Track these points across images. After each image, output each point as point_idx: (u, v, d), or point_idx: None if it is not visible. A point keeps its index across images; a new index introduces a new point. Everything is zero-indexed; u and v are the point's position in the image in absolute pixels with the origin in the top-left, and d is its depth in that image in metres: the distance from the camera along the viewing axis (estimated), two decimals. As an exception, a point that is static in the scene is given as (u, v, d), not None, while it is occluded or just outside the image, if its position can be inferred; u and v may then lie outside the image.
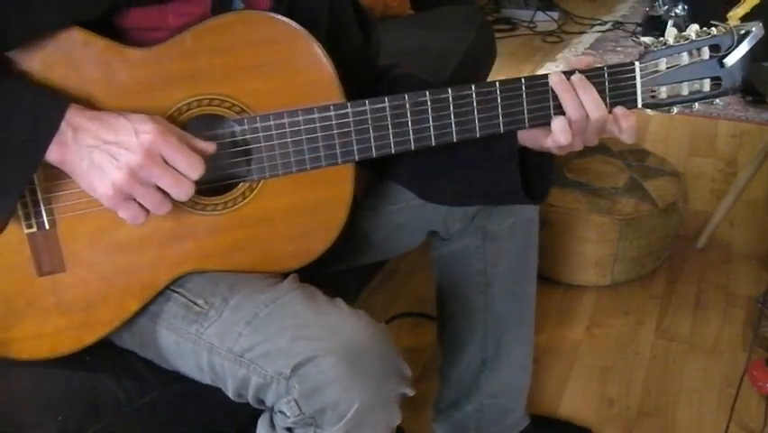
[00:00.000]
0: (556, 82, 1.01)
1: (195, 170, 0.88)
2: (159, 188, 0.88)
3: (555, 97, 1.01)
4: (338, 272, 1.24)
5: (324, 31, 0.98)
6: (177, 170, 0.88)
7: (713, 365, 1.75)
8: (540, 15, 3.88)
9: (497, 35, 2.75)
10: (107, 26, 0.92)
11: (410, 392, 0.94)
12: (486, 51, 2.23)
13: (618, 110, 1.02)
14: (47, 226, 0.93)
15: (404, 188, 1.22)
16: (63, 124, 0.85)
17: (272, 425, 0.95)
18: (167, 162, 0.87)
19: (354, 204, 1.04)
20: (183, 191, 0.89)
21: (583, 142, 1.05)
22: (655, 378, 1.72)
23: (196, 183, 0.90)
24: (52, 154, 0.86)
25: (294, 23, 0.96)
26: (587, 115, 1.01)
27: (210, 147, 0.92)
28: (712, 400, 1.65)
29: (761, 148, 2.03)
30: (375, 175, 1.24)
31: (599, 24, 3.82)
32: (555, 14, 3.90)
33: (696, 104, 1.07)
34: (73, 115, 0.86)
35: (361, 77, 0.98)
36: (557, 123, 1.01)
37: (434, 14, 2.41)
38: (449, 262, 1.36)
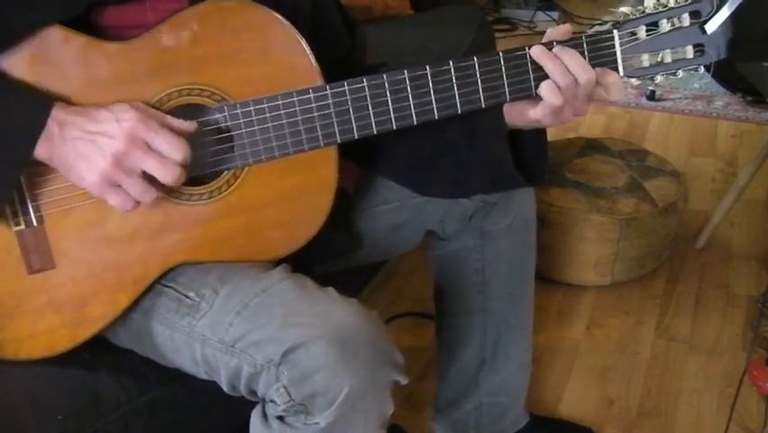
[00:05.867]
0: (537, 53, 1.01)
1: (178, 150, 0.89)
2: (145, 175, 0.89)
3: (535, 69, 1.02)
4: (338, 272, 1.24)
5: (308, 29, 0.99)
6: (161, 154, 0.89)
7: (713, 365, 1.75)
8: (540, 15, 3.88)
9: (497, 35, 2.75)
10: (88, 26, 0.93)
11: (403, 380, 0.94)
12: (486, 51, 2.23)
13: (598, 69, 1.03)
14: (35, 223, 0.93)
15: (399, 188, 1.22)
16: (49, 122, 0.86)
17: (265, 415, 0.95)
18: (150, 147, 0.88)
19: (345, 197, 1.04)
20: (169, 174, 0.90)
21: (574, 112, 1.05)
22: (655, 378, 1.72)
23: (183, 167, 0.91)
24: (40, 152, 0.87)
25: (270, 10, 0.97)
26: (575, 80, 1.01)
27: (191, 126, 0.93)
28: (712, 400, 1.65)
29: (761, 148, 2.03)
30: (368, 173, 1.24)
31: (599, 24, 3.82)
32: (555, 14, 3.90)
33: (680, 71, 1.06)
34: (58, 112, 0.87)
35: (350, 77, 0.98)
36: (545, 86, 1.01)
37: (434, 14, 2.41)
38: (447, 261, 1.36)
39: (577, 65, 1.01)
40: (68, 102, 0.90)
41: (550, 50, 1.02)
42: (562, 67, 1.01)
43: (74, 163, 0.88)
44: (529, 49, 1.02)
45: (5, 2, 0.88)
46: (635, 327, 1.88)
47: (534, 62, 1.02)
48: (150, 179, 0.90)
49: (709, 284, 2.02)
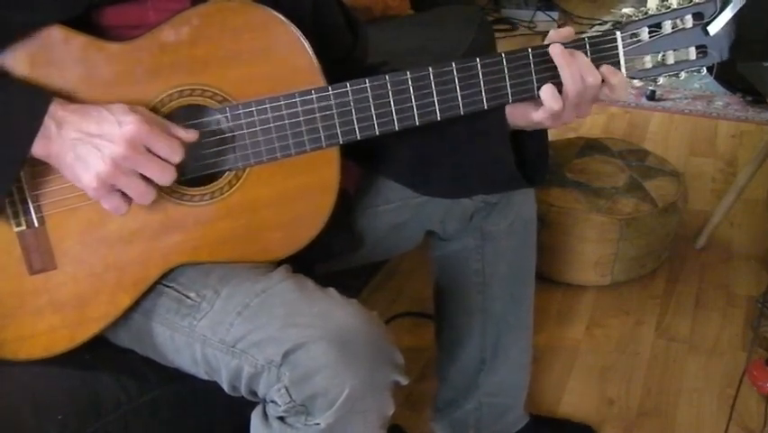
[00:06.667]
0: (558, 53, 1.01)
1: (176, 154, 0.90)
2: (142, 177, 0.89)
3: (538, 71, 1.02)
4: (338, 272, 1.24)
5: (309, 29, 0.99)
6: (159, 157, 0.89)
7: (713, 365, 1.75)
8: (540, 15, 3.88)
9: (497, 35, 2.75)
10: (89, 26, 0.93)
11: (403, 381, 0.94)
12: (486, 51, 2.22)
13: (604, 68, 1.03)
14: (36, 224, 0.93)
15: (400, 188, 1.22)
16: (46, 119, 0.86)
17: (265, 416, 0.95)
18: (150, 151, 0.88)
19: (346, 198, 1.03)
20: (166, 177, 0.90)
21: (576, 114, 1.05)
22: (655, 378, 1.72)
23: (181, 172, 0.91)
24: (38, 149, 0.87)
25: (271, 10, 0.96)
26: (582, 83, 1.01)
27: (192, 135, 0.93)
28: (712, 400, 1.65)
29: (761, 148, 2.03)
30: (369, 173, 1.24)
31: (599, 24, 3.83)
32: (555, 14, 3.90)
33: (683, 72, 1.06)
34: (56, 109, 0.87)
35: (351, 77, 0.98)
36: (546, 90, 1.01)
37: (434, 14, 2.41)
38: (447, 262, 1.36)
39: (584, 67, 1.01)
40: (68, 102, 0.90)
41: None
42: (576, 70, 1.00)
43: (72, 164, 0.88)
44: (532, 51, 1.02)
45: (5, 2, 0.87)
46: (635, 327, 1.88)
47: (537, 63, 1.02)
48: (147, 179, 0.90)
49: (709, 284, 2.02)
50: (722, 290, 1.99)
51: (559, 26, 3.80)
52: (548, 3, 3.92)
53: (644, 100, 3.03)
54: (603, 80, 1.03)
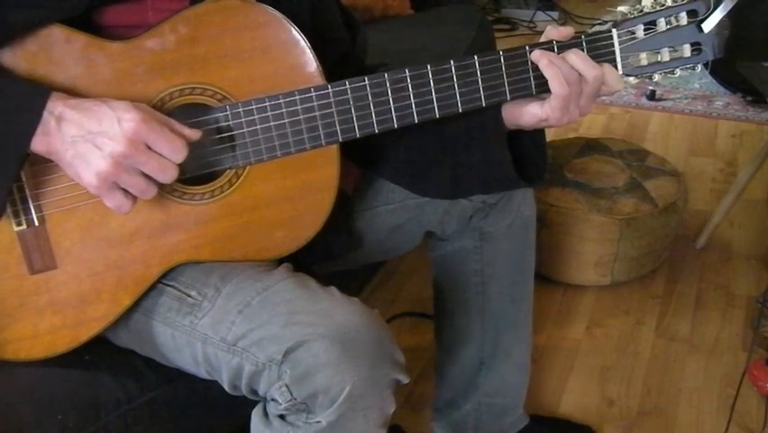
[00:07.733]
0: (537, 57, 1.02)
1: (178, 153, 0.89)
2: (143, 174, 0.89)
3: (536, 68, 1.03)
4: (338, 272, 1.24)
5: (308, 28, 0.99)
6: (161, 155, 0.88)
7: (713, 365, 1.75)
8: (540, 15, 3.88)
9: (497, 35, 2.75)
10: (89, 26, 0.93)
11: (404, 379, 0.94)
12: (486, 51, 2.23)
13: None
14: (36, 223, 0.93)
15: (399, 189, 1.23)
16: (46, 114, 0.85)
17: (266, 414, 0.95)
18: (150, 148, 0.88)
19: (345, 198, 1.03)
20: (168, 175, 0.89)
21: (579, 109, 1.05)
22: (655, 378, 1.72)
23: (182, 170, 0.91)
24: (37, 145, 0.86)
25: (271, 9, 0.97)
26: (579, 77, 1.02)
27: (196, 134, 0.92)
28: (712, 400, 1.65)
29: (761, 148, 2.04)
30: (367, 174, 1.24)
31: (599, 24, 3.83)
32: (555, 14, 3.90)
33: (678, 69, 1.08)
34: (55, 105, 0.86)
35: (350, 76, 0.99)
36: (552, 77, 1.02)
37: (434, 14, 2.41)
38: (446, 262, 1.36)
39: (582, 62, 1.02)
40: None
41: (553, 50, 1.02)
42: (565, 65, 1.01)
43: (72, 161, 0.87)
44: (529, 48, 1.02)
45: (6, 1, 0.87)
46: (635, 327, 1.88)
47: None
48: (148, 176, 0.90)
49: (709, 284, 2.02)
50: (722, 290, 1.99)
51: (559, 26, 3.81)
52: (548, 2, 3.92)
53: (644, 100, 3.03)
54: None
